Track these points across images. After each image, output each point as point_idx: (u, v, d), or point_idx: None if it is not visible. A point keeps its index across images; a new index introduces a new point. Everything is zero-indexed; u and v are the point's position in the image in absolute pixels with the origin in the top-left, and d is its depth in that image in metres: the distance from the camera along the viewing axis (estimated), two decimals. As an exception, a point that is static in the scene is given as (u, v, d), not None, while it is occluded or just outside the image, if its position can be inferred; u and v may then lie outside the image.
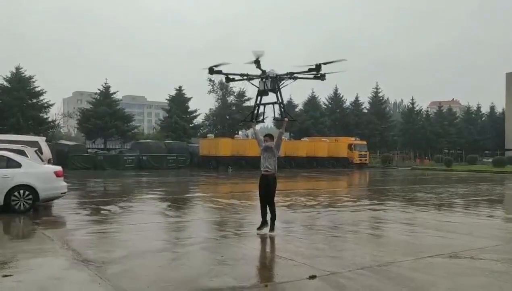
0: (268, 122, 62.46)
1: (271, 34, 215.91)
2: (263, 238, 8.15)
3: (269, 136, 8.70)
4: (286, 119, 10.14)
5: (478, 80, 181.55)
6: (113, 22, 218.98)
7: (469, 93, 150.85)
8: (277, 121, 45.26)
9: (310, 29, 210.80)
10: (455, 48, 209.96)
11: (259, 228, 8.36)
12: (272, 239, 8.14)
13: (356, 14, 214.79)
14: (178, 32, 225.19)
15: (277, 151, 8.42)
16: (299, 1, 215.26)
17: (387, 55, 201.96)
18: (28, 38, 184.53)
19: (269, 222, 8.35)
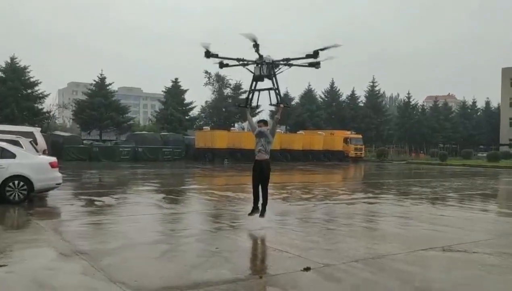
0: (265, 115, 62.30)
1: (270, 26, 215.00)
2: (257, 230, 8.17)
3: (263, 122, 8.75)
4: (281, 105, 10.18)
5: (476, 77, 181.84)
6: (109, 11, 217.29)
7: (466, 90, 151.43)
8: (272, 113, 45.38)
9: (309, 21, 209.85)
10: (454, 46, 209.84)
11: (250, 213, 8.46)
12: (266, 231, 8.17)
13: (356, 8, 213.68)
14: (175, 22, 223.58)
15: (272, 137, 8.46)
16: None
17: (385, 50, 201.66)
18: (22, 28, 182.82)
19: (260, 207, 8.41)
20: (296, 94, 63.11)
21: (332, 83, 62.82)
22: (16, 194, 10.42)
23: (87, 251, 6.24)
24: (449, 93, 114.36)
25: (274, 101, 10.60)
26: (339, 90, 63.30)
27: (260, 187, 8.40)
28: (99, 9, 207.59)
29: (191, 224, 8.88)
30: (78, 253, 6.13)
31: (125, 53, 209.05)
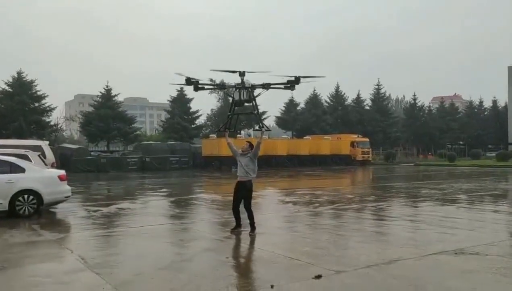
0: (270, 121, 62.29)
1: (276, 27, 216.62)
2: (267, 238, 8.15)
3: (249, 143, 8.90)
4: (263, 129, 10.45)
5: (482, 77, 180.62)
6: (112, 22, 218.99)
7: (472, 90, 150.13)
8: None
9: (315, 23, 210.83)
10: (459, 45, 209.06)
11: (233, 230, 8.56)
12: (276, 238, 8.15)
13: (360, 9, 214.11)
14: (179, 30, 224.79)
15: (255, 159, 8.58)
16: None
17: (390, 51, 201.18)
18: (28, 41, 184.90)
19: (241, 223, 8.68)
20: (301, 99, 63.15)
21: (337, 87, 62.81)
22: (26, 208, 10.49)
23: (98, 264, 6.26)
24: (455, 94, 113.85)
25: (257, 126, 10.79)
26: (344, 94, 63.24)
27: (243, 206, 8.53)
28: (103, 19, 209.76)
29: (201, 234, 8.87)
30: (89, 266, 6.14)
31: (130, 63, 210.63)
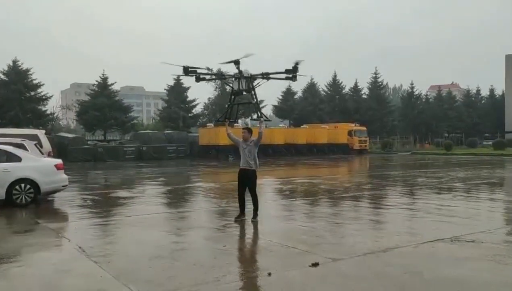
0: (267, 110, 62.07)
1: (272, 19, 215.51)
2: (264, 227, 8.18)
3: (247, 129, 8.92)
4: (262, 119, 10.52)
5: (480, 66, 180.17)
6: (107, 12, 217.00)
7: (470, 79, 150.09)
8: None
9: (316, 12, 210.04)
10: (457, 35, 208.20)
11: (237, 217, 8.64)
12: (274, 227, 8.18)
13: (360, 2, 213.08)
14: (173, 22, 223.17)
15: (256, 148, 8.72)
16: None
17: (387, 42, 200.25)
18: (23, 30, 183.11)
19: (245, 212, 8.76)
20: (298, 88, 62.98)
21: (335, 76, 62.61)
22: (23, 197, 10.47)
23: (96, 253, 6.27)
24: (452, 82, 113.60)
25: (256, 115, 10.90)
26: (341, 82, 63.09)
27: (249, 192, 8.61)
28: (98, 11, 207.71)
29: (198, 222, 8.89)
30: (87, 255, 6.16)
31: (126, 52, 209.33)
